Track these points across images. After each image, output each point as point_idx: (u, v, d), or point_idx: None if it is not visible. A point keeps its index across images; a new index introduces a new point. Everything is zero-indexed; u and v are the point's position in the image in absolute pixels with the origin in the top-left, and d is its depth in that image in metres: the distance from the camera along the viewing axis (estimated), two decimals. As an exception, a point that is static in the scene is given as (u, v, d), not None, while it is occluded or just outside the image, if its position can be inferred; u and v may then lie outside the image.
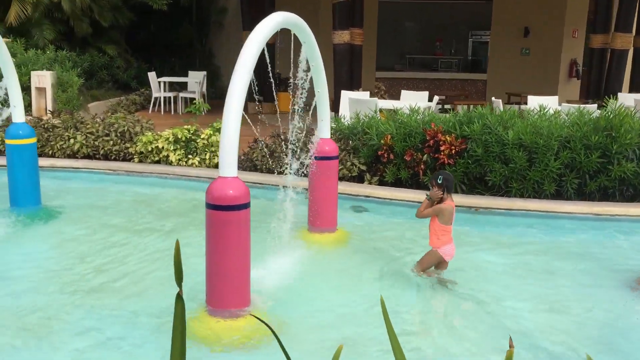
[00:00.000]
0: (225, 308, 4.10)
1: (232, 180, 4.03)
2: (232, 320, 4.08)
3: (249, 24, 15.61)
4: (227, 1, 20.61)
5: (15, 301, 4.47)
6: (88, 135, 8.77)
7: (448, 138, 7.02)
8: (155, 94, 15.15)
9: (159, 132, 8.69)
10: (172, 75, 17.96)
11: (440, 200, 4.81)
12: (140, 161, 8.59)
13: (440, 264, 4.92)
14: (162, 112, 14.88)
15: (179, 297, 1.12)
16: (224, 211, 4.00)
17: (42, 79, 12.03)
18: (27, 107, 11.65)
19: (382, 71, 19.50)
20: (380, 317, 4.22)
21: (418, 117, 7.44)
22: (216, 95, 17.97)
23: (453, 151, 6.97)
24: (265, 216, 6.80)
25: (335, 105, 11.47)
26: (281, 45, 16.52)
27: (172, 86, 16.03)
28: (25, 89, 11.98)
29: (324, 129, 5.98)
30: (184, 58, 20.31)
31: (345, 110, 9.86)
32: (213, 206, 4.02)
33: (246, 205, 4.05)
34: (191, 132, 8.50)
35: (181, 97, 15.29)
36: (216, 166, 8.30)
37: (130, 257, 5.39)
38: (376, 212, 6.86)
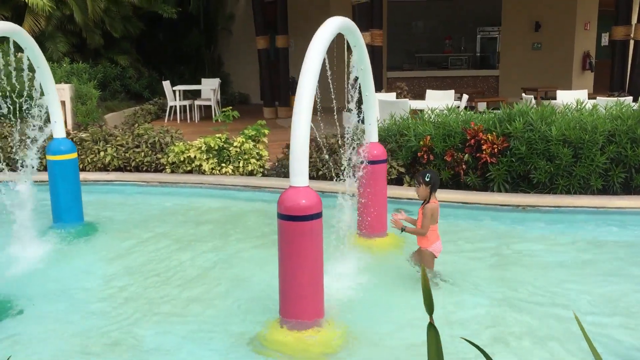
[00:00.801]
0: (301, 319, 4.03)
1: (304, 190, 3.96)
2: (308, 331, 4.00)
3: (262, 30, 15.57)
4: (234, 8, 20.56)
5: (80, 319, 4.40)
6: (118, 147, 8.70)
7: (489, 137, 6.95)
8: (170, 103, 15.09)
9: (189, 142, 8.62)
10: (181, 83, 17.91)
11: (428, 200, 4.75)
12: (172, 171, 8.52)
13: (432, 259, 4.95)
14: (179, 121, 14.81)
15: (432, 326, 1.05)
16: (297, 221, 3.92)
17: (61, 92, 11.96)
18: (47, 121, 11.57)
19: (392, 71, 19.44)
20: (455, 324, 4.16)
21: (455, 117, 7.36)
22: (227, 102, 17.89)
23: (495, 150, 6.89)
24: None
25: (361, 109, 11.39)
26: (292, 49, 16.50)
27: (186, 94, 15.97)
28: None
29: (372, 132, 5.90)
30: (192, 66, 20.27)
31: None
32: (285, 217, 3.94)
33: (319, 215, 3.97)
34: (223, 140, 8.43)
35: (197, 105, 15.22)
36: (250, 174, 8.26)
37: (185, 271, 5.32)
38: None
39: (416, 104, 9.21)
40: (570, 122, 6.74)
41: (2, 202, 5.73)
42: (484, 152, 6.94)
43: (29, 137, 6.09)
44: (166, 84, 15.20)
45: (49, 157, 6.32)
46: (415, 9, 20.72)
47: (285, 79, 15.70)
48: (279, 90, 15.83)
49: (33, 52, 5.81)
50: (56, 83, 12.11)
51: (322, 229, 4.05)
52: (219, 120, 8.82)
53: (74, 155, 6.46)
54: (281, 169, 8.25)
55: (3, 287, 4.82)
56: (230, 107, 9.02)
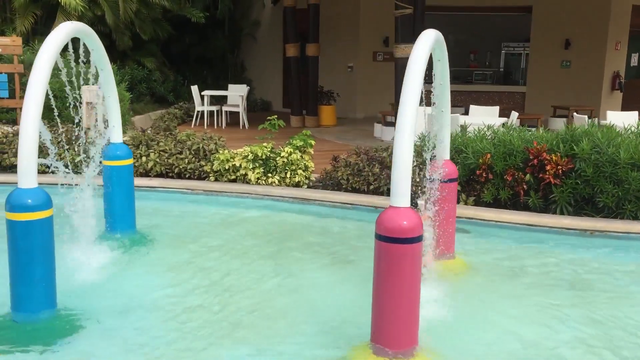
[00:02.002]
0: (395, 346, 3.81)
1: (405, 211, 3.75)
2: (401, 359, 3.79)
3: (293, 37, 15.41)
4: (260, 14, 20.43)
5: (152, 337, 4.19)
6: (161, 153, 8.51)
7: (554, 157, 6.74)
8: (198, 108, 14.92)
9: (234, 150, 8.43)
10: (204, 87, 17.79)
11: None
12: (215, 179, 8.32)
13: None
14: (205, 126, 14.63)
15: None
16: (397, 244, 3.71)
17: (93, 94, 11.77)
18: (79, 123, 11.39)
19: (418, 84, 19.26)
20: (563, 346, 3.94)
21: (517, 135, 7.16)
22: (249, 109, 17.73)
23: (560, 171, 6.69)
24: (370, 239, 6.54)
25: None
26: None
27: (211, 99, 15.81)
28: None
29: (445, 150, 5.69)
30: (216, 70, 20.13)
31: (419, 126, 9.56)
32: (385, 238, 3.73)
33: (420, 238, 3.76)
34: (269, 149, 8.23)
35: (225, 111, 15.05)
36: (297, 185, 8.05)
37: (251, 289, 5.10)
38: (484, 235, 6.55)
39: (466, 120, 9.01)
40: (639, 145, 6.54)
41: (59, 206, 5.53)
42: (548, 173, 6.73)
43: (90, 140, 5.90)
44: (194, 89, 15.05)
45: (106, 162, 6.12)
46: (445, 21, 20.57)
47: (314, 88, 15.52)
48: (307, 99, 15.65)
49: (99, 54, 5.63)
50: (85, 84, 12.01)
51: (422, 252, 3.85)
52: (266, 128, 8.61)
53: (130, 161, 6.26)
54: (328, 181, 8.05)
55: (66, 300, 4.61)
56: (276, 116, 8.83)
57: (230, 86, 16.44)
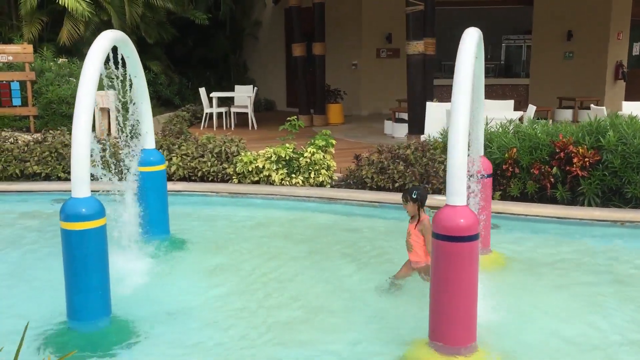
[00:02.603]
0: (455, 344, 3.86)
1: (462, 209, 3.80)
2: (460, 357, 3.84)
3: (299, 37, 15.43)
4: (261, 14, 20.44)
5: (204, 337, 4.24)
6: (183, 156, 8.53)
7: (580, 150, 6.81)
8: (207, 110, 14.94)
9: (257, 152, 8.46)
10: (207, 89, 17.84)
11: (417, 216, 4.79)
12: (239, 181, 8.35)
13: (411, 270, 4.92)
14: (215, 128, 14.65)
15: None
16: (455, 242, 3.76)
17: (106, 99, 11.78)
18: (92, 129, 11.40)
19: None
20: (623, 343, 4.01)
21: (542, 129, 7.22)
22: (254, 109, 17.75)
23: (587, 163, 6.75)
24: (402, 237, 6.59)
25: (414, 118, 11.26)
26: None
27: (219, 101, 15.83)
28: (89, 109, 11.77)
29: (480, 145, 5.73)
30: (219, 72, 20.13)
31: (434, 123, 9.64)
32: (443, 237, 3.78)
33: (477, 236, 3.81)
34: (291, 150, 8.27)
35: (233, 113, 15.07)
36: (320, 185, 8.09)
37: (297, 290, 5.13)
38: (515, 229, 6.60)
39: (488, 115, 9.02)
40: (665, 136, 6.61)
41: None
42: (575, 166, 6.79)
43: (128, 147, 5.93)
44: (202, 91, 15.07)
45: (140, 169, 6.14)
46: (441, 15, 20.59)
47: (321, 86, 15.55)
48: (315, 98, 15.69)
49: (134, 61, 5.65)
50: (99, 90, 12.01)
51: (478, 250, 3.89)
52: (287, 129, 8.64)
53: (164, 166, 6.30)
54: (352, 180, 8.09)
55: (115, 307, 4.61)
56: (295, 117, 8.86)
57: (236, 87, 16.46)
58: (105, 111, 11.88)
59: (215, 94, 15.04)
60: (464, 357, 3.82)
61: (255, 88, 15.76)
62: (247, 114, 15.20)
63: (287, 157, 8.15)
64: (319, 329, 4.41)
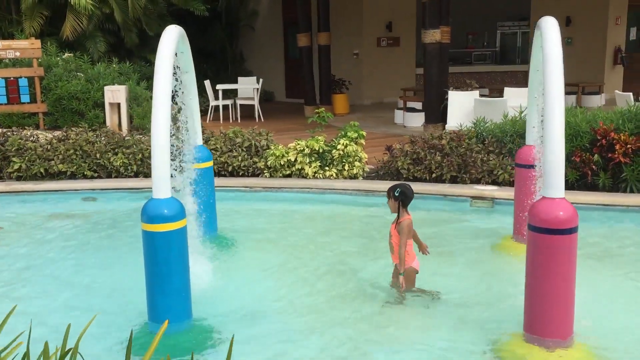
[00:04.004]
0: (552, 336, 3.84)
1: (560, 202, 3.77)
2: (557, 351, 3.82)
3: (305, 27, 15.27)
4: (258, 4, 20.22)
5: (285, 339, 4.18)
6: (212, 151, 8.40)
7: (622, 136, 6.83)
8: (212, 102, 14.76)
9: (283, 145, 8.37)
10: (202, 80, 17.72)
11: (399, 216, 4.60)
12: (270, 176, 8.26)
13: (413, 274, 4.72)
14: (221, 120, 14.48)
15: None
16: (553, 235, 3.73)
17: (116, 93, 11.57)
18: (103, 124, 11.21)
19: (420, 67, 19.30)
20: None
21: (582, 116, 7.23)
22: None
23: (629, 150, 6.77)
24: (450, 226, 6.58)
25: (430, 108, 11.22)
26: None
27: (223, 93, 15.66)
28: (100, 105, 11.57)
29: (533, 135, 5.70)
30: (216, 63, 19.88)
31: (457, 112, 9.61)
32: (541, 229, 3.75)
33: (575, 229, 3.78)
34: (322, 142, 8.19)
35: (239, 105, 14.91)
36: (352, 177, 8.03)
37: (364, 283, 5.09)
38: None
39: (513, 103, 9.03)
40: None
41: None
42: (617, 152, 6.81)
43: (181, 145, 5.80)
44: (207, 83, 14.87)
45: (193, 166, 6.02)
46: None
47: (327, 77, 15.45)
48: (320, 89, 15.58)
49: (187, 56, 5.50)
50: (109, 84, 11.80)
51: (577, 243, 3.86)
52: (316, 121, 8.55)
53: (211, 163, 6.19)
54: (386, 171, 8.03)
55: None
56: (323, 109, 8.77)
57: (240, 79, 16.30)
58: (116, 106, 11.67)
59: (220, 86, 14.85)
60: (562, 349, 3.81)
61: (261, 80, 15.59)
62: (250, 106, 15.05)
63: (320, 150, 8.06)
64: (407, 324, 4.37)
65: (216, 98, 14.87)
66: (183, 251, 4.16)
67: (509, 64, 20.42)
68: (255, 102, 14.87)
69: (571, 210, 3.77)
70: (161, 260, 4.06)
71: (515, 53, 21.18)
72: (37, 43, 11.28)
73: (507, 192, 7.06)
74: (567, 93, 15.65)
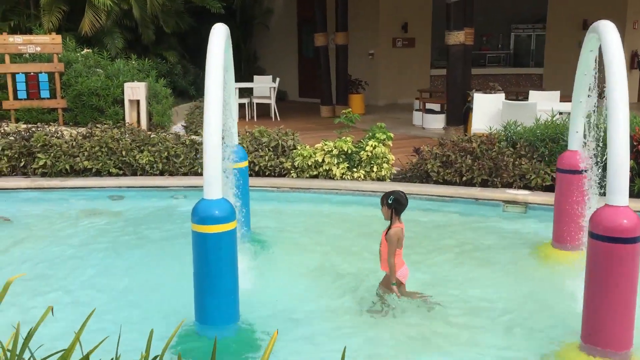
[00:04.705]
0: (611, 348, 3.77)
1: (624, 210, 3.70)
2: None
3: (322, 26, 15.20)
4: (272, 2, 20.14)
5: (333, 342, 4.08)
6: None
7: (658, 142, 6.75)
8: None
9: (309, 145, 8.30)
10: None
11: (391, 224, 4.55)
12: (297, 176, 8.19)
13: (400, 285, 4.61)
14: (237, 119, 14.38)
15: None
16: (618, 244, 3.66)
17: (136, 90, 11.49)
18: (122, 121, 11.14)
19: (435, 68, 19.22)
20: None
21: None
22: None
23: (666, 156, 6.70)
24: (485, 231, 6.51)
25: (453, 110, 11.15)
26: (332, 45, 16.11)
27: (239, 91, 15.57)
28: (119, 101, 11.50)
29: (576, 140, 5.64)
30: (230, 61, 19.77)
31: (483, 115, 9.53)
32: (604, 238, 3.68)
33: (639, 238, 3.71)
34: (350, 143, 8.12)
35: (255, 103, 14.84)
36: (381, 179, 7.95)
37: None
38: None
39: (544, 107, 8.95)
40: None
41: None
42: (653, 159, 6.74)
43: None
44: (224, 82, 14.79)
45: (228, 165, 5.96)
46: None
47: (344, 77, 15.37)
48: (337, 89, 15.50)
49: (229, 54, 5.42)
50: (128, 81, 11.72)
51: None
52: (342, 122, 8.48)
53: (246, 163, 6.13)
54: (415, 173, 7.95)
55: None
56: (350, 109, 8.70)
57: (255, 77, 16.22)
58: (135, 103, 11.59)
59: (237, 85, 14.76)
60: (620, 361, 3.75)
61: (277, 79, 15.52)
62: (265, 105, 14.98)
63: (349, 151, 7.99)
64: (453, 331, 4.30)
65: (232, 96, 14.81)
66: (233, 252, 4.10)
67: (522, 67, 20.34)
68: (272, 101, 14.81)
69: (635, 218, 3.70)
70: (212, 262, 4.00)
71: (529, 56, 21.09)
72: (58, 38, 11.21)
73: (541, 197, 7.01)
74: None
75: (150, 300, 4.79)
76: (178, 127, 12.34)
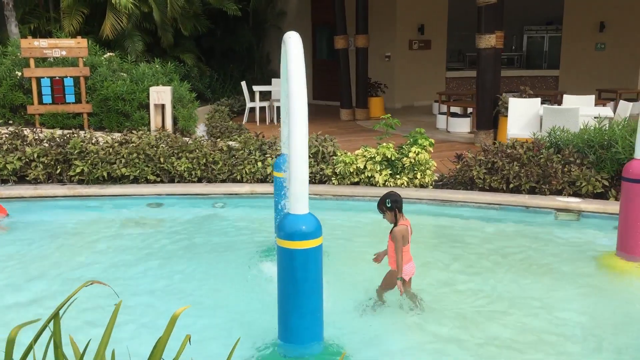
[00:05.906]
0: None
1: None
2: None
3: (342, 29, 15.08)
4: (285, 4, 20.02)
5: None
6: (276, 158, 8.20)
7: None
8: (249, 104, 14.58)
9: (353, 152, 8.19)
10: (231, 81, 17.63)
11: (396, 223, 4.59)
12: (338, 183, 8.07)
13: (404, 283, 4.68)
14: (257, 123, 14.30)
15: None
16: None
17: (162, 95, 11.35)
18: (147, 126, 11.02)
19: (450, 71, 19.14)
20: None
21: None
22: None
23: None
24: (541, 240, 6.41)
25: (483, 114, 11.05)
26: (351, 47, 16.00)
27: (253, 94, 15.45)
28: (144, 106, 11.37)
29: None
30: (243, 64, 19.69)
31: (519, 120, 9.43)
32: None
33: None
34: (392, 149, 8.01)
35: (276, 107, 14.73)
36: (425, 186, 7.84)
37: (483, 304, 4.92)
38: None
39: (588, 112, 8.85)
40: None
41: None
42: None
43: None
44: (243, 84, 14.71)
45: (276, 174, 5.84)
46: (467, 7, 20.36)
47: (363, 79, 15.26)
48: (357, 92, 15.39)
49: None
50: (152, 85, 11.58)
51: None
52: (382, 128, 8.37)
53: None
54: (460, 180, 7.83)
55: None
56: (389, 115, 8.58)
57: (273, 80, 16.09)
58: (159, 107, 11.46)
59: (257, 88, 14.67)
60: None
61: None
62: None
63: (393, 158, 7.88)
64: (546, 343, 4.19)
65: (251, 99, 14.70)
66: (319, 269, 3.97)
67: (535, 69, 20.26)
68: (292, 105, 14.66)
69: None
70: (299, 279, 3.87)
71: (542, 58, 21.03)
72: (84, 42, 11.06)
73: (594, 205, 6.90)
74: (603, 99, 15.56)
75: (224, 316, 4.68)
76: (200, 131, 12.22)
